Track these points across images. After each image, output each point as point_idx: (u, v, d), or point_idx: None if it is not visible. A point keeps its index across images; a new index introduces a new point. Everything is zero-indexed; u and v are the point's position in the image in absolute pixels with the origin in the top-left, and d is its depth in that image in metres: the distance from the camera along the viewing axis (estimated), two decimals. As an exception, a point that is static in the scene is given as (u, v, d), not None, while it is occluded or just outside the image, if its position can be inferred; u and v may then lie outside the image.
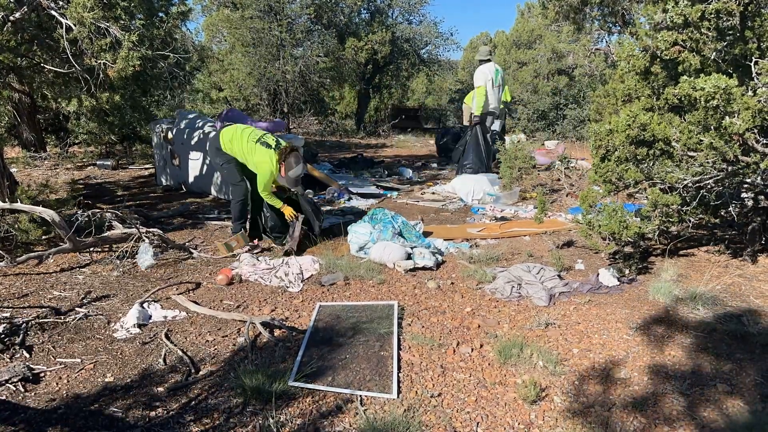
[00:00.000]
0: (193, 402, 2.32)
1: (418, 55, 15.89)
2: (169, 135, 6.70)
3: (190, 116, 6.89)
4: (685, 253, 4.35)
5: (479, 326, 3.15)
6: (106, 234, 4.18)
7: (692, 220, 3.91)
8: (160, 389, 2.44)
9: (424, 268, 4.05)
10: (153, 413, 2.25)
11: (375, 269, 4.00)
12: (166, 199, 6.36)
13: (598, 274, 3.84)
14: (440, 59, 16.90)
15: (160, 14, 5.23)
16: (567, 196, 6.64)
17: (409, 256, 4.13)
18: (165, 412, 2.26)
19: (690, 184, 3.62)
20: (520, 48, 17.60)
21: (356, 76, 15.17)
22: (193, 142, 6.49)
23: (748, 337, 2.96)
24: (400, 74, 16.87)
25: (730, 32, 3.63)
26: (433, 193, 7.07)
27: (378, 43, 13.95)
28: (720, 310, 3.31)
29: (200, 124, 6.53)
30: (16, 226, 4.04)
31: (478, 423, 2.26)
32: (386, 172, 8.69)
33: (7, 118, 8.30)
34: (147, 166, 8.50)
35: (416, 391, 2.47)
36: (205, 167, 6.44)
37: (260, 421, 2.18)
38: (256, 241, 4.61)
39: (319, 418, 2.25)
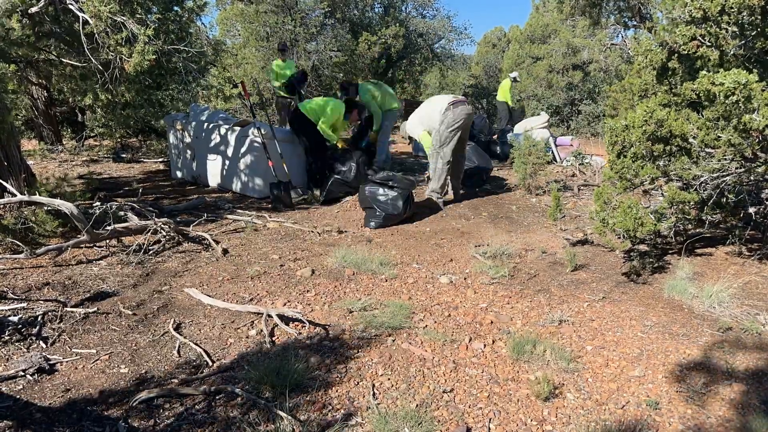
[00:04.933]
0: (206, 397, 2.34)
1: (431, 49, 15.82)
2: (187, 138, 6.76)
3: (205, 111, 6.93)
4: (701, 252, 4.30)
5: (492, 322, 3.14)
6: (123, 226, 4.21)
7: (710, 218, 3.86)
8: (174, 381, 2.47)
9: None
10: (167, 407, 2.27)
11: (387, 264, 4.00)
12: (180, 193, 6.40)
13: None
14: (454, 54, 16.83)
15: (176, 8, 5.24)
16: (580, 191, 6.59)
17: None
18: (178, 406, 2.28)
19: (708, 181, 3.58)
20: (534, 43, 17.45)
21: (369, 70, 15.14)
22: (209, 137, 6.53)
23: (763, 336, 2.93)
24: (413, 69, 16.83)
25: (751, 27, 3.57)
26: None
27: (391, 37, 13.91)
28: (735, 308, 3.27)
29: (215, 119, 6.56)
30: (33, 218, 4.09)
31: (490, 419, 2.26)
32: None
33: (24, 112, 8.40)
34: (160, 159, 8.56)
35: (428, 386, 2.47)
36: (225, 164, 6.44)
37: (274, 417, 2.19)
38: None
39: (332, 411, 2.26)
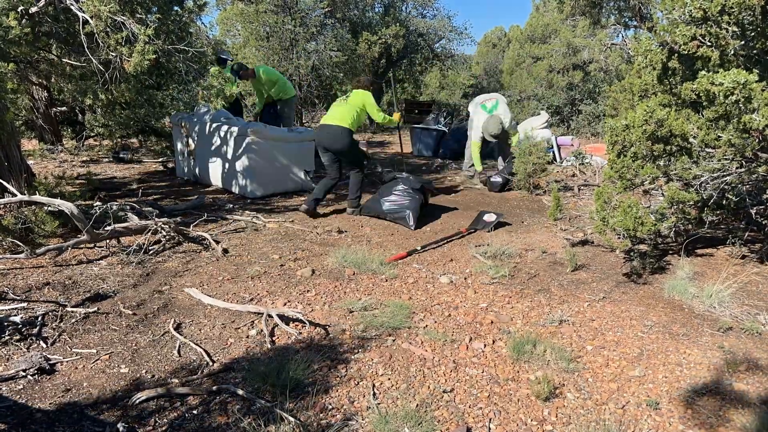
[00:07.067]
0: (207, 397, 2.34)
1: (431, 49, 15.84)
2: (191, 144, 6.77)
3: (208, 112, 6.93)
4: (702, 252, 4.31)
5: (492, 322, 3.14)
6: (123, 226, 4.21)
7: (711, 218, 3.86)
8: (175, 381, 2.47)
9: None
10: (167, 406, 2.27)
11: (387, 263, 4.00)
12: (181, 193, 6.40)
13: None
14: (454, 53, 16.84)
15: (176, 8, 5.24)
16: (580, 191, 6.59)
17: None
18: (179, 406, 2.28)
19: (708, 181, 3.58)
20: (534, 42, 17.45)
21: (369, 70, 15.15)
22: (211, 138, 6.53)
23: (764, 336, 2.93)
24: (414, 69, 16.84)
25: (751, 27, 3.57)
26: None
27: (391, 37, 13.92)
28: (736, 308, 3.27)
29: (218, 120, 6.56)
30: (33, 218, 4.08)
31: (490, 419, 2.26)
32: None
33: (24, 112, 8.39)
34: (160, 160, 8.55)
35: (429, 386, 2.47)
36: (225, 164, 6.44)
37: (274, 417, 2.19)
38: None
39: (332, 412, 2.26)
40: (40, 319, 2.95)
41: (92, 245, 4.15)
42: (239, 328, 3.01)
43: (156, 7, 4.80)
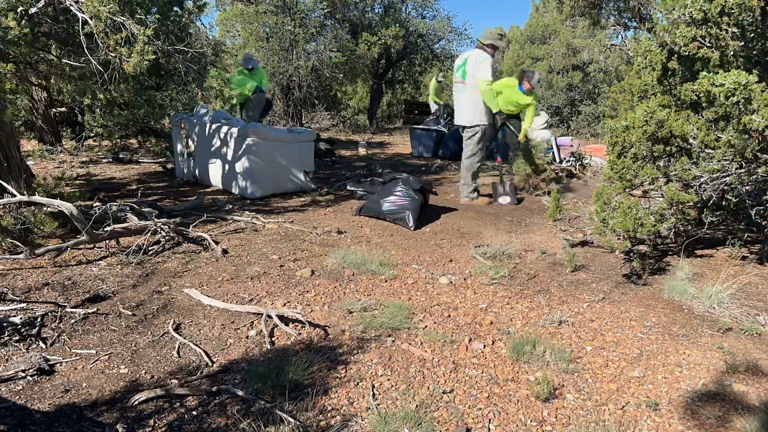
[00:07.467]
0: (206, 398, 2.34)
1: (431, 50, 15.85)
2: (191, 145, 6.78)
3: (208, 113, 6.93)
4: (701, 253, 4.31)
5: (491, 323, 3.14)
6: (122, 226, 4.21)
7: (710, 219, 3.86)
8: (174, 382, 2.46)
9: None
10: (166, 407, 2.27)
11: (387, 264, 4.00)
12: (180, 194, 6.40)
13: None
14: (454, 54, 16.85)
15: (175, 8, 5.24)
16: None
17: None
18: (178, 407, 2.28)
19: (707, 182, 3.58)
20: (534, 43, 17.45)
21: (369, 71, 15.16)
22: (211, 138, 6.53)
23: (763, 337, 2.93)
24: (413, 69, 16.84)
25: (751, 28, 3.57)
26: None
27: (391, 38, 13.92)
28: (735, 309, 3.27)
29: (218, 120, 6.56)
30: (32, 219, 4.08)
31: (490, 420, 2.26)
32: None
33: (23, 112, 8.39)
34: (160, 160, 8.55)
35: (428, 387, 2.47)
36: (225, 165, 6.44)
37: (274, 418, 2.19)
38: None
39: (332, 412, 2.26)
40: (39, 319, 2.95)
41: (91, 246, 4.14)
42: (239, 328, 3.00)
43: (155, 8, 4.80)
